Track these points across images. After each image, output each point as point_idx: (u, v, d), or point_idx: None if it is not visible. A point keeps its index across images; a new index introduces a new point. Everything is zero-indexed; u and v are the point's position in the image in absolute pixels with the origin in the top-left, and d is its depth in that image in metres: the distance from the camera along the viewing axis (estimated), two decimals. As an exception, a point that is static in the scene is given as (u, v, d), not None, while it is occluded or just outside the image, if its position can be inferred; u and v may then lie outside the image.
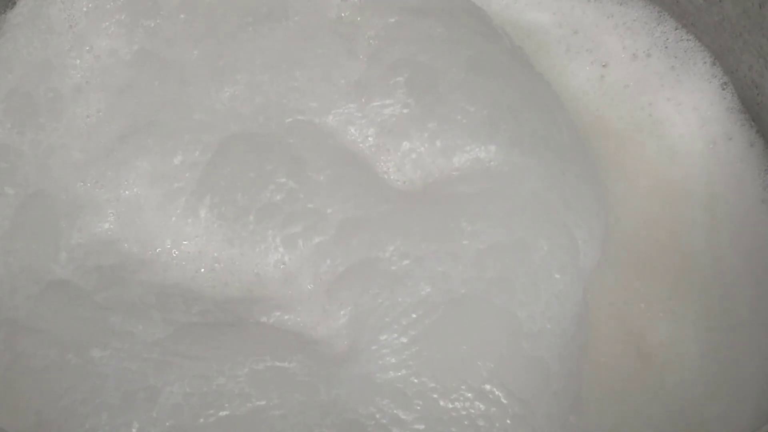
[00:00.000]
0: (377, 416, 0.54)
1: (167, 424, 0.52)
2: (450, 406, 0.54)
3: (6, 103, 0.63)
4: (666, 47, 0.72)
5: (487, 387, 0.54)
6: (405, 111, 0.61)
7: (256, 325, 0.57)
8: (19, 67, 0.65)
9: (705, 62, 0.71)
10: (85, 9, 0.66)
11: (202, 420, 0.53)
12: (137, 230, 0.60)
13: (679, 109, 0.71)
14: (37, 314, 0.57)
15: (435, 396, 0.54)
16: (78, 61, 0.64)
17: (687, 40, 0.72)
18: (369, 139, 0.62)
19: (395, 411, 0.54)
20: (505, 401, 0.54)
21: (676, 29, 0.73)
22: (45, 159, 0.62)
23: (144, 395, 0.53)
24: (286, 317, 0.58)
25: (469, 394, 0.54)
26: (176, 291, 0.59)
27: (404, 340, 0.55)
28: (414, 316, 0.56)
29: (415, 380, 0.54)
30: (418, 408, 0.54)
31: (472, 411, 0.54)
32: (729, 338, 0.64)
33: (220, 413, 0.53)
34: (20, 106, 0.63)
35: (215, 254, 0.60)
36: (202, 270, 0.59)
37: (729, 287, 0.65)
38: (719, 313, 0.65)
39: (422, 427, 0.53)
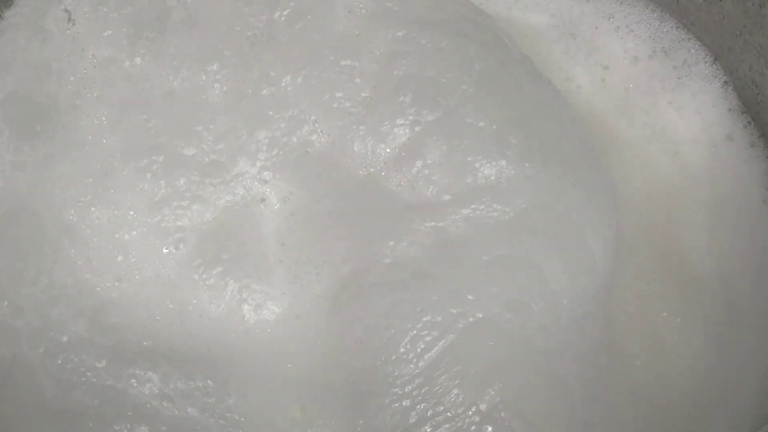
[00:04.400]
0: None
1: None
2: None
3: (3, 108, 0.62)
4: (667, 47, 0.72)
5: (499, 413, 0.54)
6: (417, 129, 0.60)
7: None
8: (17, 70, 0.63)
9: (706, 62, 0.71)
10: (87, 15, 0.63)
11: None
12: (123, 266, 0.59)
13: (680, 111, 0.71)
14: None
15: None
16: (77, 68, 0.62)
17: (687, 39, 0.72)
18: (380, 160, 0.61)
19: None
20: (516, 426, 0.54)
21: (676, 29, 0.72)
22: (38, 171, 0.60)
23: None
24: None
25: (477, 418, 0.55)
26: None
27: (415, 367, 0.56)
28: (428, 339, 0.56)
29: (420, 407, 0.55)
30: None
31: None
32: (730, 338, 0.64)
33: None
34: (17, 111, 0.62)
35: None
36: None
37: (731, 287, 0.66)
38: (721, 314, 0.65)
39: None
